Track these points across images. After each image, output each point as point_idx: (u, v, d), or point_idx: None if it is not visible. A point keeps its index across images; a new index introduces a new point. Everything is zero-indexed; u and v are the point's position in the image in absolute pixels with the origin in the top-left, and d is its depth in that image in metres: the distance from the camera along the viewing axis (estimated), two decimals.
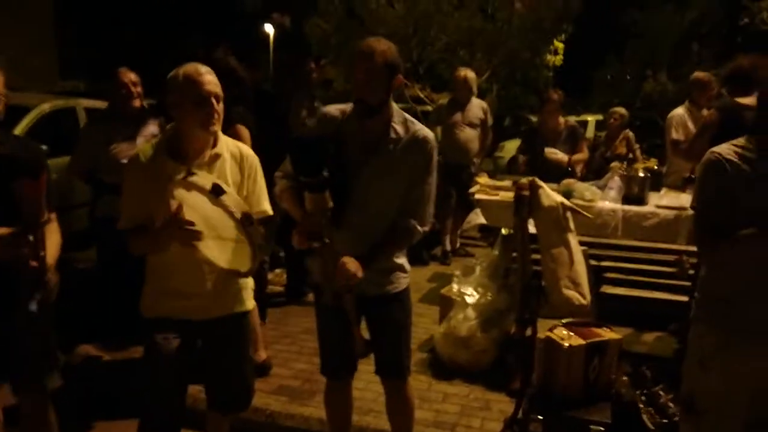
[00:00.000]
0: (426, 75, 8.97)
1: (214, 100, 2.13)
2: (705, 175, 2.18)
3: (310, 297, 4.90)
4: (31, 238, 1.99)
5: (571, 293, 3.42)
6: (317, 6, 8.28)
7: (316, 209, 2.05)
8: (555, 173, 4.68)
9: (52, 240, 2.19)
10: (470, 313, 3.61)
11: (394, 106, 2.26)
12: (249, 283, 2.40)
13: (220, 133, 2.26)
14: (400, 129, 2.24)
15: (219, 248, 2.08)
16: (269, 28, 14.05)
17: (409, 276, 2.44)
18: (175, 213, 1.99)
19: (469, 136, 5.99)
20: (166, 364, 2.24)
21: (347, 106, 2.28)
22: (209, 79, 2.15)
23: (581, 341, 2.81)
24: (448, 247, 6.18)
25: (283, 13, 8.39)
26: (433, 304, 4.31)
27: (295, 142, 2.08)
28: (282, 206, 2.36)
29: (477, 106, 6.05)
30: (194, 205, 2.03)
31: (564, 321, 3.02)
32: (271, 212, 2.39)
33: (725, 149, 2.15)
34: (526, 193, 3.50)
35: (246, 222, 1.98)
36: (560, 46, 15.79)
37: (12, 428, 2.36)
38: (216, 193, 1.98)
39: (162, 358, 2.23)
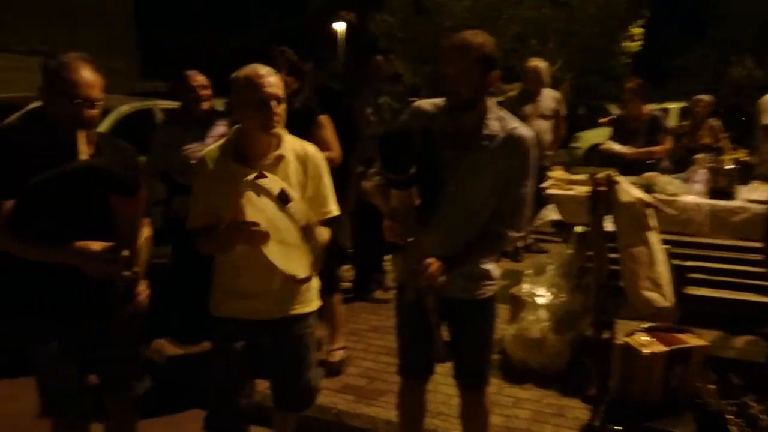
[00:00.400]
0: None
1: (274, 103, 2.12)
2: None
3: (378, 294, 4.91)
4: (125, 253, 2.00)
5: (652, 295, 3.24)
6: (383, 1, 8.22)
7: (401, 206, 2.00)
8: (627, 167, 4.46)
9: (144, 248, 2.21)
10: (542, 314, 3.47)
11: (492, 102, 2.17)
12: (314, 283, 2.39)
13: (285, 134, 2.26)
14: (495, 126, 2.13)
15: (281, 251, 2.09)
16: (339, 25, 14.16)
17: (498, 283, 2.35)
18: (242, 216, 2.01)
19: (541, 128, 5.79)
20: (231, 364, 2.29)
21: (440, 101, 2.19)
22: (270, 81, 2.14)
23: (662, 348, 2.65)
24: (520, 243, 6.01)
25: (348, 9, 8.37)
26: (503, 303, 4.18)
27: (383, 137, 2.03)
28: (374, 202, 2.33)
29: (549, 97, 5.85)
30: (261, 208, 2.05)
31: (644, 325, 2.85)
32: (336, 212, 2.37)
33: None
34: (603, 188, 3.35)
35: (307, 233, 2.06)
36: (638, 31, 15.10)
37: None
38: (282, 200, 2.07)
39: (227, 360, 2.30)
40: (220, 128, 3.82)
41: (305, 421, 3.03)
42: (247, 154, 2.20)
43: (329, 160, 3.28)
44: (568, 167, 6.45)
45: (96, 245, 1.99)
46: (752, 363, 3.30)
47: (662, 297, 3.22)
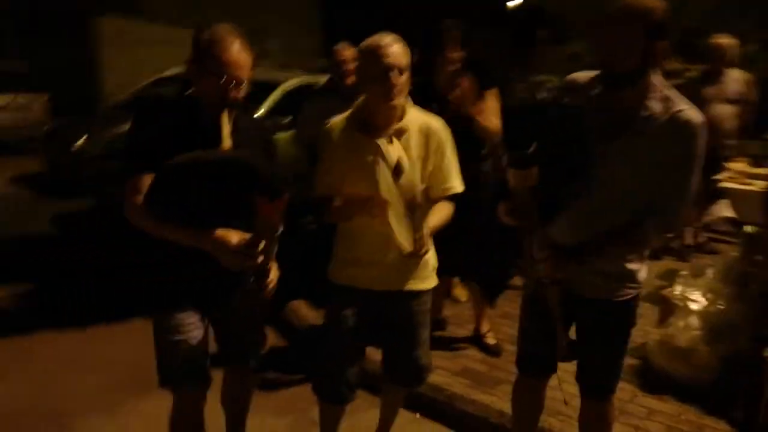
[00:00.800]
0: (679, 44, 7.83)
1: (394, 73, 2.06)
2: None
3: (516, 280, 4.72)
4: (261, 247, 1.93)
5: None
6: None
7: (518, 187, 1.83)
8: None
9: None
10: (693, 321, 3.09)
11: (659, 78, 1.87)
12: (431, 261, 2.35)
13: (409, 106, 2.22)
14: (656, 106, 1.84)
15: (396, 221, 2.08)
16: (512, 2, 13.71)
17: (641, 287, 2.08)
18: (365, 183, 2.09)
19: (724, 113, 5.14)
20: (343, 331, 2.31)
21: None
22: (392, 50, 2.07)
23: None
24: (690, 240, 5.40)
25: None
26: (657, 305, 3.81)
27: (507, 111, 1.92)
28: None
29: (735, 79, 5.15)
30: (385, 175, 2.08)
31: None
32: (459, 189, 2.27)
33: None
34: None
35: (409, 207, 1.99)
36: None
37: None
38: (396, 172, 2.07)
39: (339, 326, 2.31)
40: None
41: (417, 398, 3.03)
42: (371, 125, 2.18)
43: (489, 133, 3.22)
44: (759, 161, 5.66)
45: (234, 237, 1.94)
46: None
47: None
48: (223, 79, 1.89)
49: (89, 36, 12.71)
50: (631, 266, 2.02)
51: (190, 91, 2.03)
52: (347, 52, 3.76)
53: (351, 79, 3.77)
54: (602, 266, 1.98)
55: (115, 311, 3.98)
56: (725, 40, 5.19)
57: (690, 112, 1.84)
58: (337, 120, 2.30)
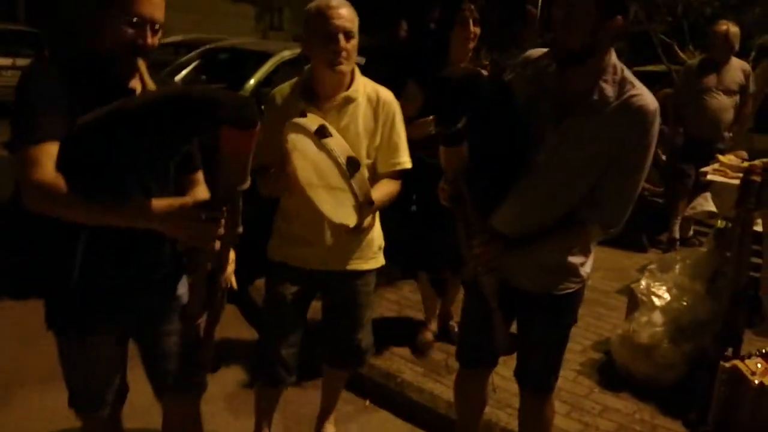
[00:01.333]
0: (693, 32, 7.57)
1: (341, 36, 1.94)
2: None
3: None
4: (224, 211, 1.52)
5: None
6: None
7: (448, 166, 1.74)
8: None
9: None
10: (657, 317, 2.98)
11: (613, 59, 1.71)
12: (376, 240, 2.26)
13: (358, 75, 2.11)
14: (610, 90, 1.69)
15: (331, 199, 1.95)
16: None
17: (584, 281, 1.97)
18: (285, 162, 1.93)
19: (723, 104, 4.96)
20: (281, 310, 2.24)
21: None
22: (340, 12, 1.95)
23: None
24: (677, 234, 5.27)
25: None
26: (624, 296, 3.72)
27: (435, 82, 1.77)
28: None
29: (736, 68, 4.97)
30: (304, 150, 1.93)
31: (765, 349, 2.31)
32: (408, 165, 2.17)
33: None
34: (757, 178, 2.76)
35: (349, 168, 1.80)
36: None
37: None
38: (320, 134, 1.83)
39: (277, 305, 2.24)
40: None
41: (368, 384, 2.97)
42: (316, 94, 2.07)
43: None
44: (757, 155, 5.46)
45: (188, 199, 1.61)
46: None
47: None
48: (135, 22, 1.53)
49: None
50: (574, 259, 1.91)
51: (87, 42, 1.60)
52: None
53: None
54: (543, 258, 1.88)
55: None
56: (731, 26, 4.97)
57: (644, 97, 1.70)
58: (283, 87, 2.19)
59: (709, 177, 3.81)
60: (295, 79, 2.18)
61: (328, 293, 2.31)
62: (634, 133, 1.69)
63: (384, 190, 2.10)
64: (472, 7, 3.01)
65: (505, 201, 1.83)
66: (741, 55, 7.42)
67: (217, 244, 1.57)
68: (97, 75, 1.57)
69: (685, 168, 5.03)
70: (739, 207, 2.78)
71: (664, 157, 5.54)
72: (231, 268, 1.70)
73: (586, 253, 1.94)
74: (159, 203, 1.53)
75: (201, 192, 1.80)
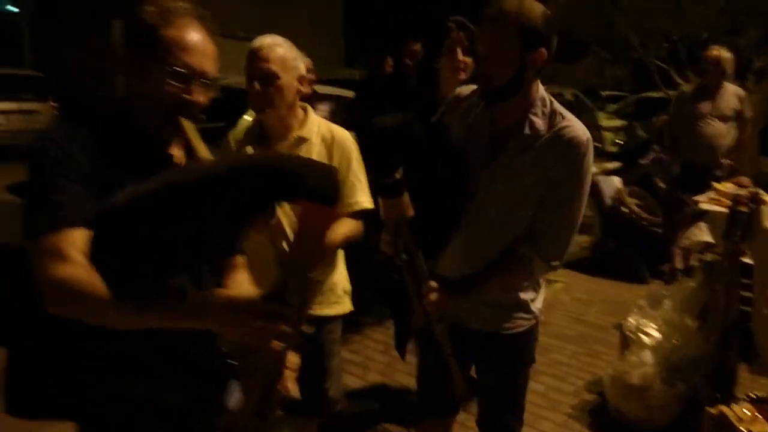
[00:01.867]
0: (689, 57, 7.51)
1: (256, 83, 1.90)
2: None
3: None
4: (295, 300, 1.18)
5: None
6: None
7: (389, 218, 1.67)
8: None
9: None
10: (647, 356, 2.85)
11: (541, 91, 1.70)
12: (340, 284, 2.19)
13: (311, 114, 2.08)
14: (540, 123, 1.67)
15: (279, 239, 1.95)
16: None
17: (536, 318, 1.90)
18: None
19: (718, 130, 4.86)
20: None
21: None
22: (260, 55, 1.90)
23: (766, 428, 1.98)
24: (679, 264, 5.11)
25: None
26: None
27: (367, 133, 1.76)
28: None
29: (731, 94, 4.87)
30: None
31: (756, 393, 2.17)
32: (368, 205, 2.09)
33: None
34: (744, 209, 2.66)
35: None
36: None
37: None
38: None
39: None
40: (320, 112, 3.73)
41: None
42: (266, 136, 2.04)
43: None
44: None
45: (249, 290, 1.39)
46: None
47: None
48: (182, 74, 1.25)
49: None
50: (524, 296, 1.84)
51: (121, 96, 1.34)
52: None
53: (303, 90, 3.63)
54: (492, 297, 1.81)
55: None
56: (723, 52, 4.90)
57: (576, 130, 1.67)
58: (237, 131, 2.16)
59: (702, 205, 3.69)
60: (249, 123, 2.14)
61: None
62: (567, 164, 1.66)
63: (340, 231, 2.02)
64: (462, 34, 2.78)
65: (449, 244, 1.79)
66: (741, 78, 7.36)
67: (277, 344, 1.22)
68: (130, 137, 1.27)
69: (683, 196, 4.91)
70: (726, 238, 2.67)
71: (662, 186, 5.44)
72: (291, 374, 1.43)
73: (536, 288, 1.88)
74: (219, 298, 1.18)
75: (244, 279, 1.48)
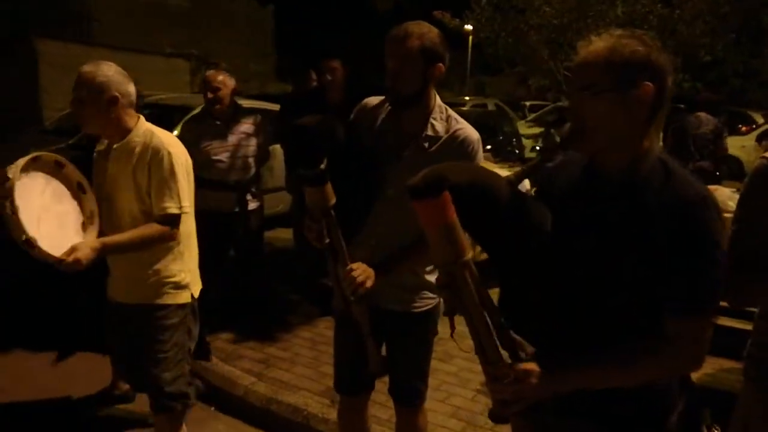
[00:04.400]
0: None
1: (77, 103, 2.23)
2: (751, 187, 1.61)
3: None
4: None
5: None
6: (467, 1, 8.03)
7: (314, 205, 1.85)
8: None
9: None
10: None
11: (438, 99, 2.03)
12: (175, 277, 2.35)
13: (141, 125, 2.30)
14: (439, 126, 2.00)
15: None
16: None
17: (440, 297, 2.15)
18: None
19: None
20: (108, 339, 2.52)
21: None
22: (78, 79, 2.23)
23: None
24: None
25: (444, 9, 8.21)
26: None
27: (293, 129, 1.94)
28: None
29: None
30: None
31: None
32: (173, 211, 2.23)
33: None
34: None
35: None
36: None
37: None
38: (81, 189, 2.25)
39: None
40: (245, 126, 3.96)
41: (274, 420, 3.07)
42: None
43: None
44: None
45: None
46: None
47: None
48: None
49: (29, 59, 12.66)
50: (430, 277, 2.11)
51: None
52: (221, 77, 3.82)
53: (224, 103, 3.84)
54: (402, 279, 2.07)
55: None
56: None
57: (467, 130, 2.00)
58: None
59: None
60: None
61: (124, 324, 2.40)
62: (462, 157, 1.96)
63: (137, 233, 2.23)
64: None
65: (362, 233, 2.03)
66: None
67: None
68: None
69: None
70: None
71: None
72: None
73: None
74: None
75: None
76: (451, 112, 2.05)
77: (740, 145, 11.74)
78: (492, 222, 1.37)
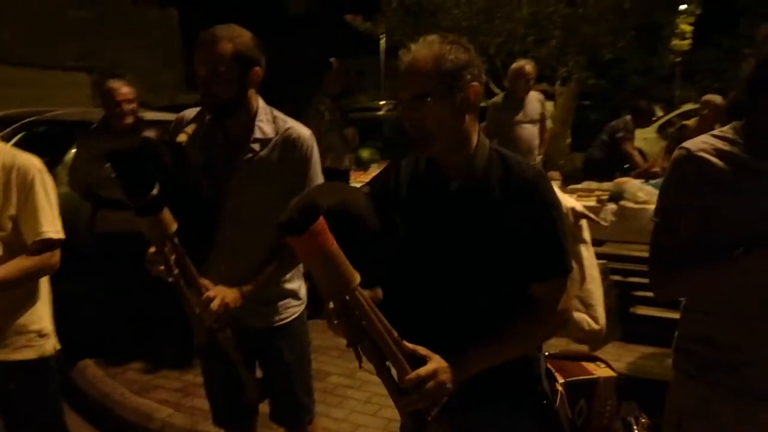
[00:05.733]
0: (504, 69, 8.32)
1: None
2: (671, 179, 1.58)
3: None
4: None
5: (580, 316, 2.92)
6: (378, 3, 8.04)
7: (154, 236, 1.63)
8: None
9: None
10: None
11: (261, 102, 1.93)
12: (35, 324, 2.02)
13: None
14: (267, 128, 1.91)
15: None
16: None
17: (304, 302, 2.06)
18: None
19: (531, 133, 5.43)
20: None
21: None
22: None
23: (560, 379, 2.31)
24: None
25: (356, 13, 8.18)
26: None
27: (111, 154, 1.56)
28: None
29: (535, 100, 5.47)
30: None
31: (551, 352, 2.52)
32: (54, 236, 1.96)
33: (700, 143, 1.59)
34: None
35: None
36: (687, 29, 14.18)
37: None
38: None
39: None
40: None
41: None
42: None
43: None
44: (568, 178, 6.04)
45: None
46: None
47: (592, 319, 2.89)
48: None
49: None
50: (290, 285, 2.01)
51: None
52: (125, 89, 3.59)
53: (130, 118, 3.61)
54: (264, 294, 1.92)
55: None
56: (527, 64, 5.25)
57: (298, 128, 1.94)
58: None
59: None
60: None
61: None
62: (300, 158, 1.91)
63: (13, 266, 1.91)
64: None
65: (212, 253, 1.89)
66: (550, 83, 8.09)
67: None
68: None
69: None
70: None
71: None
72: None
73: (300, 277, 2.05)
74: None
75: None
76: (277, 112, 1.96)
77: (642, 137, 12.38)
78: (363, 237, 1.34)
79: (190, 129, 1.77)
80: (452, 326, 1.43)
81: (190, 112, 1.93)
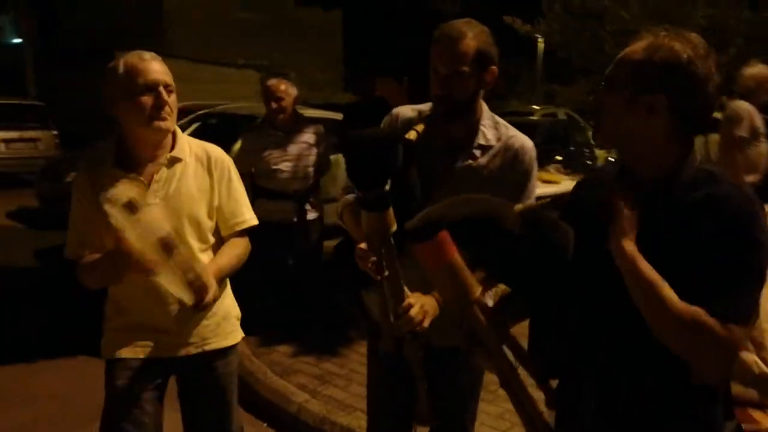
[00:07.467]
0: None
1: (162, 89, 1.80)
2: None
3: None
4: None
5: (750, 357, 2.59)
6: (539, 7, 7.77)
7: (373, 232, 1.56)
8: None
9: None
10: None
11: (484, 105, 1.83)
12: (232, 311, 2.07)
13: (180, 135, 1.95)
14: (490, 134, 1.80)
15: (165, 271, 1.72)
16: None
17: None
18: (120, 237, 1.66)
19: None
20: (134, 412, 1.90)
21: (425, 106, 1.84)
22: (155, 66, 1.82)
23: None
24: None
25: (514, 14, 7.95)
26: None
27: (352, 143, 1.55)
28: (344, 226, 1.97)
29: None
30: (117, 220, 1.68)
31: None
32: (254, 222, 2.02)
33: None
34: None
35: (164, 251, 1.66)
36: None
37: None
38: (129, 209, 1.64)
39: (128, 406, 1.90)
40: (306, 135, 3.90)
41: None
42: (133, 160, 1.87)
43: None
44: None
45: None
46: None
47: (763, 361, 2.56)
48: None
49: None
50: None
51: None
52: (282, 86, 3.79)
53: (285, 113, 3.79)
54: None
55: (55, 345, 3.95)
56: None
57: (521, 138, 1.83)
58: (89, 159, 1.94)
59: None
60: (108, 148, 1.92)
61: (186, 381, 2.03)
62: (520, 169, 1.81)
63: (230, 254, 1.95)
64: None
65: (406, 258, 1.74)
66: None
67: None
68: None
69: None
70: None
71: None
72: None
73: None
74: None
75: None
76: (498, 118, 1.85)
77: None
78: (504, 251, 1.30)
79: (420, 127, 1.68)
80: (622, 345, 1.31)
81: (405, 110, 1.89)
